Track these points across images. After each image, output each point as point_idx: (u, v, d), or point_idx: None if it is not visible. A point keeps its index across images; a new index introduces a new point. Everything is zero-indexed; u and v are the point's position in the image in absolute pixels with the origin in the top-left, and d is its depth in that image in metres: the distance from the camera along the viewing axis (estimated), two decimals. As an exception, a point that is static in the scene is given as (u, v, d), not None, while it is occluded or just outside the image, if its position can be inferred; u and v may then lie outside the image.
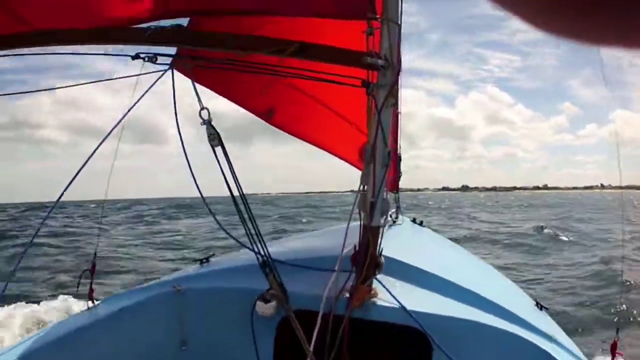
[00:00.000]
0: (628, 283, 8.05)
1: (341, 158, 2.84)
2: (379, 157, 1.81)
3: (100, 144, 1.84)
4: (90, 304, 1.94)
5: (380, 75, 1.83)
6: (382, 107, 1.81)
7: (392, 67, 1.84)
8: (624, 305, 6.58)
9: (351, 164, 2.66)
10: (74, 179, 1.82)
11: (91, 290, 1.93)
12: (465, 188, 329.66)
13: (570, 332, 2.47)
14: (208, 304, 1.96)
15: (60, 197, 1.86)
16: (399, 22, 1.92)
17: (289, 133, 2.56)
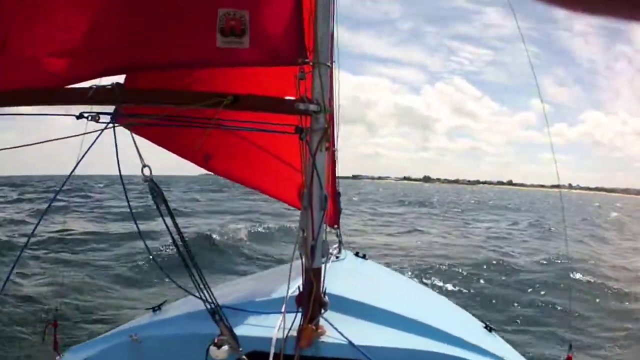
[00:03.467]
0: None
1: (282, 200, 2.91)
2: (315, 202, 1.88)
3: (54, 199, 1.93)
4: (55, 356, 2.01)
5: (313, 120, 1.89)
6: (316, 151, 1.88)
7: (325, 110, 1.91)
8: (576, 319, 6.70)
9: (292, 205, 2.72)
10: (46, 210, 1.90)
11: (55, 343, 2.03)
12: (427, 179, 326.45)
13: (522, 353, 2.56)
14: (165, 352, 2.01)
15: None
16: (330, 64, 1.97)
17: (229, 179, 2.63)
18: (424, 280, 8.44)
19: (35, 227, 3.04)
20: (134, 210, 2.17)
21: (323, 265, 1.94)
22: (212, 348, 1.87)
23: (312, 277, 1.89)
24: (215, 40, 1.91)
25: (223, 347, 1.87)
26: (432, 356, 1.91)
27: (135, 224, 2.02)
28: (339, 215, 3.34)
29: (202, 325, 1.96)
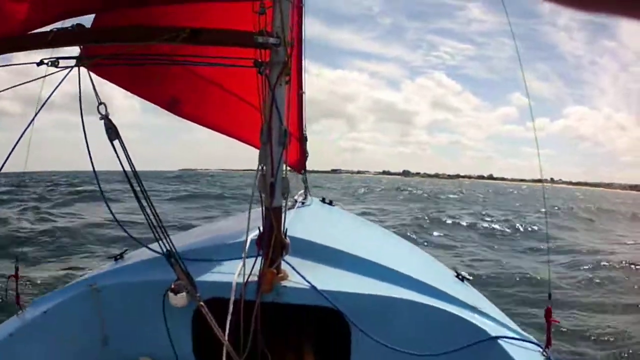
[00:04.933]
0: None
1: (247, 142, 2.83)
2: (275, 137, 1.81)
3: (22, 135, 1.88)
4: (18, 310, 1.98)
5: (273, 53, 1.83)
6: (275, 85, 1.81)
7: (285, 43, 1.84)
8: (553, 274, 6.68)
9: (256, 147, 2.66)
10: (9, 154, 1.86)
11: (17, 296, 2.00)
12: (406, 173, 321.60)
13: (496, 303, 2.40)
14: (124, 300, 1.99)
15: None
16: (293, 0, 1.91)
17: (194, 122, 2.58)
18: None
19: None
20: None
21: (284, 204, 1.85)
22: (170, 294, 1.82)
23: (272, 216, 1.81)
24: None
25: (181, 293, 1.81)
26: (399, 302, 1.83)
27: (93, 168, 1.95)
28: (305, 160, 3.24)
29: (160, 272, 1.91)
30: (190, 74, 2.23)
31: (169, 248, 1.77)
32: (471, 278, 2.53)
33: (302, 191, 3.35)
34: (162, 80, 2.04)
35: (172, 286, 1.80)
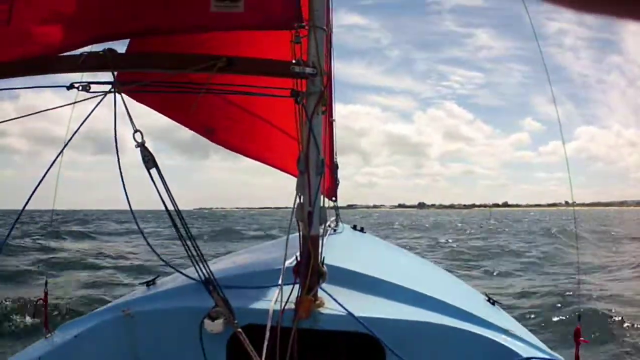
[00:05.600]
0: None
1: (284, 171, 2.85)
2: (312, 166, 1.82)
3: (45, 173, 1.86)
4: (46, 333, 1.96)
5: (309, 83, 1.85)
6: (313, 114, 1.83)
7: (321, 73, 1.86)
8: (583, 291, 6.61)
9: (291, 174, 2.67)
10: (34, 191, 1.83)
11: (46, 319, 1.96)
12: (422, 205, 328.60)
13: (527, 325, 2.47)
14: (158, 326, 1.97)
15: (23, 209, 1.86)
16: (327, 29, 1.94)
17: (231, 150, 2.59)
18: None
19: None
20: None
21: (321, 233, 1.87)
22: (207, 321, 1.81)
23: (310, 245, 1.82)
24: (210, 4, 1.88)
25: (218, 320, 1.80)
26: (434, 328, 1.85)
27: (127, 200, 1.94)
28: (336, 188, 3.27)
29: (196, 298, 1.90)
30: (224, 102, 2.23)
31: (206, 275, 1.76)
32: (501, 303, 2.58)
33: (333, 218, 3.36)
34: (191, 110, 2.04)
35: (210, 313, 1.79)
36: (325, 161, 2.00)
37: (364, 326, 1.79)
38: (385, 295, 2.02)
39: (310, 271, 1.82)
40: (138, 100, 2.01)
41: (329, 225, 3.18)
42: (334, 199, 3.33)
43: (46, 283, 2.17)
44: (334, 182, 3.26)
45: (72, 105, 1.89)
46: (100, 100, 1.88)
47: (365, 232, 3.62)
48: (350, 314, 1.81)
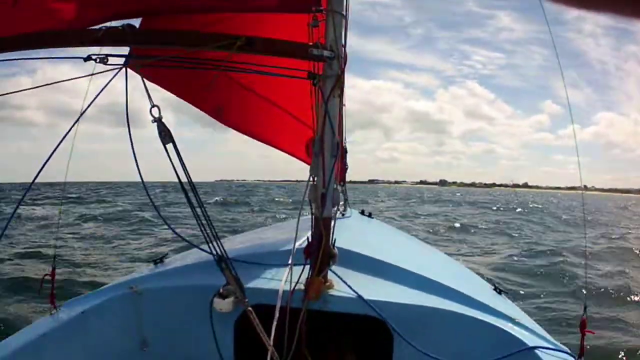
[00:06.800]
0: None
1: (289, 153, 2.86)
2: (327, 148, 1.84)
3: (59, 143, 1.85)
4: (52, 309, 1.96)
5: (327, 66, 1.87)
6: (329, 97, 1.85)
7: (338, 57, 1.88)
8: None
9: (299, 158, 2.69)
10: (46, 162, 1.81)
11: (52, 295, 1.95)
12: (443, 182, 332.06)
13: (532, 314, 2.52)
14: (166, 303, 1.98)
15: (33, 180, 1.85)
16: (345, 13, 1.95)
17: (238, 131, 2.59)
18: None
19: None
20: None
21: (334, 215, 1.89)
22: (217, 299, 1.81)
23: (322, 226, 1.84)
24: None
25: (228, 298, 1.81)
26: (441, 313, 1.88)
27: (138, 169, 1.94)
28: (344, 173, 3.28)
29: (206, 276, 1.91)
30: (235, 83, 2.23)
31: (220, 252, 1.77)
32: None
33: (342, 202, 3.37)
34: (208, 87, 2.04)
35: (220, 291, 1.80)
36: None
37: (372, 309, 1.82)
38: (394, 279, 2.05)
39: (321, 253, 1.84)
40: (148, 79, 2.01)
41: (337, 209, 3.20)
42: (342, 183, 3.34)
43: (54, 258, 2.16)
44: (343, 167, 3.28)
45: (89, 77, 1.88)
46: (116, 74, 1.87)
47: (372, 218, 3.65)
48: (359, 296, 1.84)
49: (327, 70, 1.87)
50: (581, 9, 0.34)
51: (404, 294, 1.94)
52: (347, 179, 3.42)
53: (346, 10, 1.97)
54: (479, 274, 3.29)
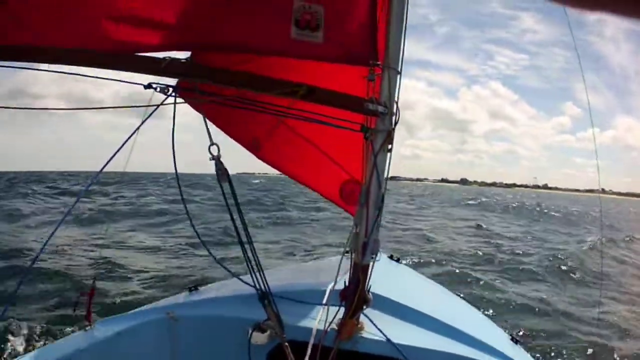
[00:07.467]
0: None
1: (323, 195, 2.91)
2: (372, 200, 1.95)
3: (108, 161, 1.87)
4: (87, 326, 2.00)
5: (380, 121, 1.96)
6: (379, 151, 1.95)
7: (391, 113, 1.98)
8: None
9: (332, 201, 2.75)
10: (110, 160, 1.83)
11: (89, 313, 1.99)
12: (464, 181, 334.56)
13: None
14: (201, 332, 2.05)
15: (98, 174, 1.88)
16: (399, 69, 2.04)
17: (275, 168, 2.65)
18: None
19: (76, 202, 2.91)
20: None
21: (371, 263, 2.00)
22: (256, 333, 1.90)
23: (360, 273, 1.95)
24: (290, 31, 1.94)
25: (265, 332, 1.90)
26: None
27: (183, 202, 2.01)
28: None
29: (243, 308, 1.99)
30: (275, 119, 2.27)
31: (264, 288, 1.85)
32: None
33: None
34: (248, 122, 2.09)
35: (261, 325, 1.89)
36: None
37: (400, 353, 1.94)
38: (421, 325, 2.19)
39: (357, 297, 1.96)
40: (195, 109, 2.05)
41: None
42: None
43: (94, 279, 2.19)
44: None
45: (146, 107, 1.90)
46: (161, 103, 1.90)
47: (400, 262, 3.77)
48: (388, 340, 1.97)
49: (379, 125, 1.96)
50: (584, 9, 0.33)
51: (430, 340, 2.08)
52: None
53: (401, 67, 2.06)
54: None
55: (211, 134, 1.85)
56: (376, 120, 1.98)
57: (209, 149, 1.83)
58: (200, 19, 1.96)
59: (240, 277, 1.96)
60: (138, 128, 1.96)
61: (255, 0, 1.99)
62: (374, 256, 2.01)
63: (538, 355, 5.15)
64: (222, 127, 2.38)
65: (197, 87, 1.88)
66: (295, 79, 1.97)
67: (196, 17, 1.95)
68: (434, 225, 19.45)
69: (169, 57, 1.89)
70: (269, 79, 1.92)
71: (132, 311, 2.18)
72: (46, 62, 1.92)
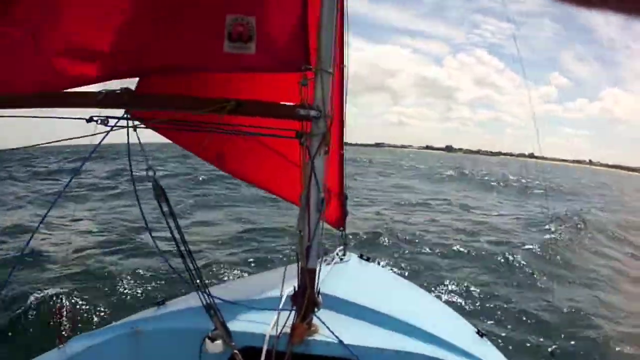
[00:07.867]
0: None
1: (288, 200, 2.92)
2: (313, 204, 1.94)
3: (64, 188, 2.01)
4: (59, 344, 2.10)
5: (314, 125, 1.95)
6: (315, 155, 1.94)
7: (325, 116, 1.97)
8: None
9: (294, 203, 2.74)
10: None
11: (60, 332, 2.12)
12: (449, 149, 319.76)
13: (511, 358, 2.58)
14: (164, 345, 2.12)
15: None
16: (333, 70, 2.03)
17: (237, 177, 2.70)
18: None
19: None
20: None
21: (318, 266, 1.99)
22: (207, 342, 1.95)
23: (307, 277, 1.95)
24: (223, 45, 1.98)
25: (217, 342, 1.95)
26: (419, 358, 1.98)
27: (145, 222, 2.07)
28: (344, 218, 3.36)
29: (199, 320, 2.03)
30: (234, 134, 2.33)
31: (208, 300, 1.91)
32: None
33: (341, 247, 3.46)
34: (206, 139, 2.16)
35: (210, 334, 1.93)
36: (333, 190, 2.11)
37: (351, 353, 1.94)
38: (378, 324, 2.17)
39: (305, 301, 1.96)
40: (154, 130, 2.14)
41: (337, 254, 3.32)
42: (341, 228, 3.42)
43: (62, 299, 2.32)
44: (343, 212, 3.35)
45: (92, 136, 2.00)
46: (109, 131, 1.98)
47: (370, 262, 3.71)
48: (340, 341, 1.97)
49: (314, 129, 1.95)
50: (582, 7, 0.35)
51: (384, 339, 2.06)
52: (353, 142, 3.44)
53: (342, 65, 2.05)
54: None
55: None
56: (311, 125, 1.97)
57: (147, 172, 1.89)
58: (134, 44, 2.03)
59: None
60: (82, 165, 2.07)
61: (186, 20, 2.04)
62: (319, 259, 2.00)
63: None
64: (184, 146, 2.46)
65: (131, 114, 1.96)
66: (235, 93, 2.00)
67: (129, 43, 2.02)
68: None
69: (105, 90, 1.98)
70: (198, 98, 1.96)
71: (104, 327, 2.29)
72: None
